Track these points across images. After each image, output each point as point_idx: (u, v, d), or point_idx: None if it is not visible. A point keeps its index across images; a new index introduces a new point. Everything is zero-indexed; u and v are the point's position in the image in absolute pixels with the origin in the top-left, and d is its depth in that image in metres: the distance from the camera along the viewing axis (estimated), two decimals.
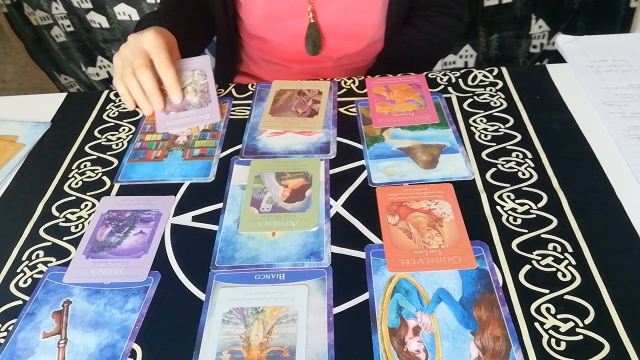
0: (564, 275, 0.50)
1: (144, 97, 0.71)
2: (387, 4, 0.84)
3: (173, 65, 0.71)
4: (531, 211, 0.57)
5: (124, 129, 0.74)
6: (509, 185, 0.60)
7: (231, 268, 0.54)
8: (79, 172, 0.68)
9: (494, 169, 0.62)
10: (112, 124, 0.76)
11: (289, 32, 0.87)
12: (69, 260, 0.56)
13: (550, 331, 0.46)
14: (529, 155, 0.64)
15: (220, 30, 0.92)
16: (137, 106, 0.74)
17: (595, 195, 0.58)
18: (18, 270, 0.56)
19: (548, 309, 0.48)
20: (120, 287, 0.53)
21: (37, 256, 0.57)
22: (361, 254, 0.54)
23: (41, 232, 0.60)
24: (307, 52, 0.88)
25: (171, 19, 0.80)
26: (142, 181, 0.65)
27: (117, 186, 0.65)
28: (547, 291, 0.49)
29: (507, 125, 0.68)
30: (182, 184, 0.64)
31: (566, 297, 0.49)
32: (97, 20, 1.50)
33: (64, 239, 0.59)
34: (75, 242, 0.58)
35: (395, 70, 0.86)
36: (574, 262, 0.51)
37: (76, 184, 0.66)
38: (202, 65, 0.75)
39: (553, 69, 0.77)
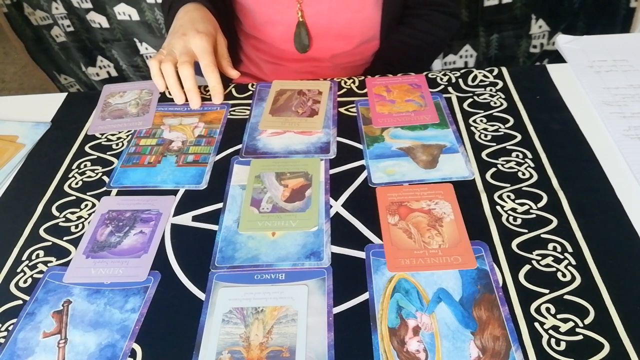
0: (563, 275, 0.50)
1: (178, 87, 0.74)
2: (380, 2, 0.85)
3: (217, 69, 0.74)
4: (531, 211, 0.57)
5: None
6: (509, 185, 0.60)
7: (231, 268, 0.54)
8: (79, 172, 0.68)
9: (494, 169, 0.62)
10: None
11: (281, 32, 0.87)
12: (69, 260, 0.56)
13: (550, 331, 0.46)
14: (529, 155, 0.64)
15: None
16: (166, 90, 0.77)
17: (595, 195, 0.58)
18: (18, 270, 0.56)
19: (548, 309, 0.48)
20: (120, 287, 0.53)
21: (37, 256, 0.57)
22: (361, 254, 0.54)
23: (41, 232, 0.60)
24: (297, 51, 0.88)
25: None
26: (134, 187, 0.64)
27: None
28: (547, 291, 0.49)
29: (507, 125, 0.68)
30: (174, 190, 0.64)
31: (566, 297, 0.49)
32: (97, 20, 1.50)
33: (64, 238, 0.59)
34: (75, 242, 0.58)
35: (392, 69, 0.86)
36: (574, 262, 0.51)
37: (76, 183, 0.66)
38: (152, 86, 0.79)
39: (553, 69, 0.77)
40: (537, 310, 0.48)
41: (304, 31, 0.86)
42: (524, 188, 0.60)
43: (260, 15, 0.87)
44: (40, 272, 0.56)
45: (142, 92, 0.79)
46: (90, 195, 0.64)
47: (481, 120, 0.70)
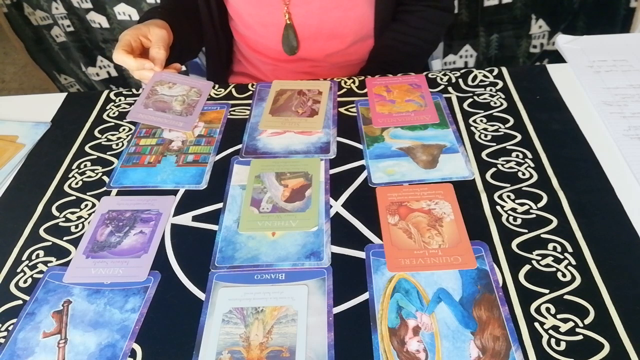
0: (564, 275, 0.50)
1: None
2: (372, 0, 0.85)
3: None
4: (531, 211, 0.57)
5: (124, 129, 0.74)
6: (509, 185, 0.60)
7: (231, 268, 0.54)
8: (79, 172, 0.68)
9: (494, 169, 0.62)
10: (112, 123, 0.76)
11: (273, 33, 0.88)
12: (69, 260, 0.56)
13: (550, 331, 0.46)
14: (529, 155, 0.64)
15: (207, 29, 0.92)
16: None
17: (595, 195, 0.58)
18: (18, 270, 0.56)
19: (548, 309, 0.48)
20: (120, 287, 0.53)
21: (37, 256, 0.57)
22: (361, 254, 0.54)
23: (41, 232, 0.60)
24: (285, 53, 0.89)
25: (165, 11, 0.84)
26: (134, 187, 0.65)
27: None
28: (547, 291, 0.49)
29: (507, 125, 0.68)
30: (174, 190, 0.64)
31: (566, 297, 0.49)
32: (97, 20, 1.50)
33: (64, 238, 0.59)
34: (75, 242, 0.58)
35: (388, 67, 0.86)
36: (574, 262, 0.51)
37: (76, 183, 0.66)
38: (202, 87, 0.79)
39: (553, 69, 0.77)
40: (537, 310, 0.48)
41: (292, 33, 0.86)
42: (524, 188, 0.60)
43: (252, 16, 0.88)
44: (40, 272, 0.56)
45: (191, 90, 0.77)
46: (90, 195, 0.64)
47: (481, 120, 0.70)
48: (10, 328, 0.51)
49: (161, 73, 0.77)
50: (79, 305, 0.52)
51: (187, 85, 0.78)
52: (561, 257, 0.52)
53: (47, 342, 0.49)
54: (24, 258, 0.57)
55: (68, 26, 1.56)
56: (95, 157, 0.70)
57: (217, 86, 0.81)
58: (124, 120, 0.75)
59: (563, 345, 0.45)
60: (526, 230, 0.55)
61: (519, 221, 0.56)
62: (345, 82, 0.79)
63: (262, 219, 0.59)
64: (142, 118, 0.73)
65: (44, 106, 0.80)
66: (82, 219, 0.61)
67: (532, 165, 0.62)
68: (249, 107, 0.76)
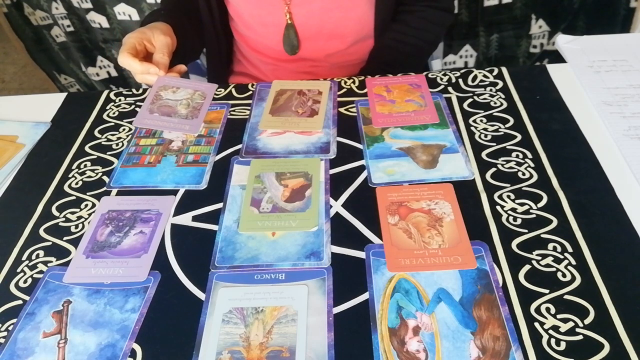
0: (564, 275, 0.50)
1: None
2: (373, 0, 0.85)
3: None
4: (531, 211, 0.57)
5: (124, 129, 0.74)
6: (509, 185, 0.60)
7: (231, 268, 0.54)
8: (79, 172, 0.68)
9: (494, 169, 0.62)
10: (112, 123, 0.76)
11: (273, 33, 0.88)
12: (69, 260, 0.56)
13: (550, 331, 0.46)
14: (529, 155, 0.64)
15: (208, 29, 0.92)
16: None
17: (595, 195, 0.58)
18: (18, 270, 0.56)
19: (548, 309, 0.48)
20: (120, 287, 0.53)
21: (37, 256, 0.57)
22: (361, 254, 0.54)
23: (41, 232, 0.60)
24: (286, 52, 0.89)
25: (168, 13, 0.84)
26: (134, 187, 0.64)
27: None
28: (547, 291, 0.49)
29: (507, 125, 0.68)
30: (174, 190, 0.64)
31: (566, 297, 0.49)
32: (97, 20, 1.50)
33: (64, 238, 0.59)
34: (75, 242, 0.58)
35: (388, 68, 0.86)
36: (574, 262, 0.51)
37: (76, 183, 0.66)
38: (206, 90, 0.79)
39: (553, 69, 0.77)
40: (537, 310, 0.48)
41: (293, 33, 0.86)
42: (524, 188, 0.60)
43: (253, 16, 0.88)
44: (40, 272, 0.56)
45: (195, 94, 0.77)
46: (90, 195, 0.64)
47: (481, 120, 0.70)
48: (10, 328, 0.51)
49: (164, 78, 0.77)
50: (79, 305, 0.52)
51: (191, 88, 0.78)
52: (561, 257, 0.52)
53: (47, 342, 0.49)
54: (24, 258, 0.57)
55: (68, 26, 1.56)
56: (95, 157, 0.70)
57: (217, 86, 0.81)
58: (124, 120, 0.76)
59: (563, 345, 0.45)
60: (526, 230, 0.55)
61: (519, 221, 0.56)
62: (345, 82, 0.79)
63: (262, 219, 0.59)
64: (148, 124, 0.73)
65: (44, 106, 0.80)
66: (82, 219, 0.61)
67: (532, 165, 0.62)
68: (249, 107, 0.76)
